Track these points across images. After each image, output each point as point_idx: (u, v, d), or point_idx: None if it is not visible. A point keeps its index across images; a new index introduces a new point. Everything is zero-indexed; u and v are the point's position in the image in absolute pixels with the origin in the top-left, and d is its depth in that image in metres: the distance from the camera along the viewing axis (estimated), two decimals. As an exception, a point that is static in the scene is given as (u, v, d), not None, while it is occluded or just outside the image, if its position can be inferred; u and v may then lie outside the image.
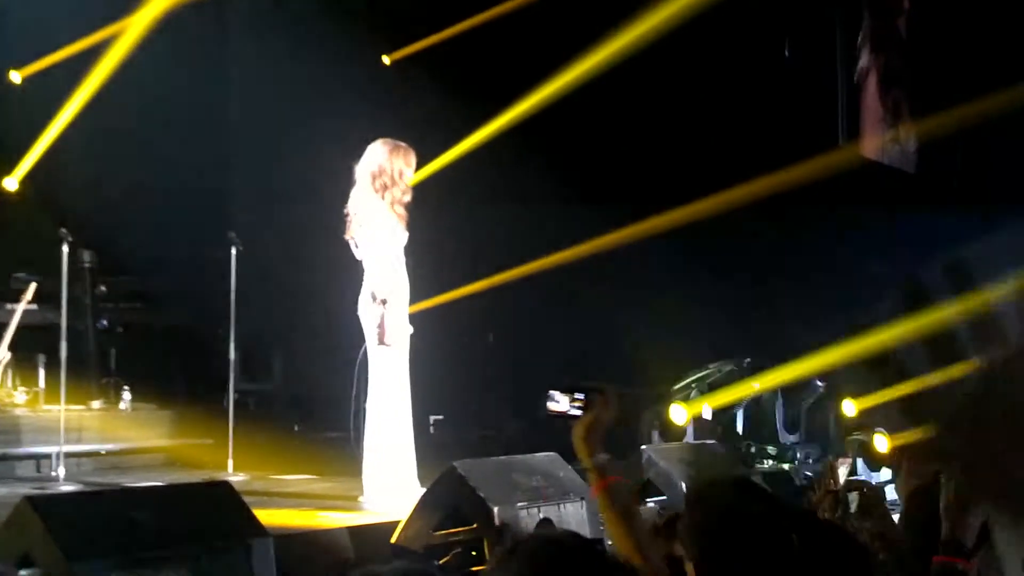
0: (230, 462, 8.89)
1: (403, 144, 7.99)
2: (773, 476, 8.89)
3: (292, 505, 7.49)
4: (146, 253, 11.01)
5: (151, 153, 10.96)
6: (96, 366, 10.20)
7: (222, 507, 5.17)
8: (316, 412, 11.06)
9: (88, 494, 6.66)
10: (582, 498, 6.90)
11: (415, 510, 6.51)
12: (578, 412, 3.39)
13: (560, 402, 4.30)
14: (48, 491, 7.45)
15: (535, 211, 11.70)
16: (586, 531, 6.62)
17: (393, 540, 6.41)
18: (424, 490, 7.17)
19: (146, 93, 10.78)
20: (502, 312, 12.01)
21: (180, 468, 9.41)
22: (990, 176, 12.18)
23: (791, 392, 10.37)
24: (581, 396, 3.44)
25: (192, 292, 11.35)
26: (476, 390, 11.71)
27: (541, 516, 6.55)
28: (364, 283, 7.85)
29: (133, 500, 5.07)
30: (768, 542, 2.87)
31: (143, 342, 10.90)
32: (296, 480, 8.97)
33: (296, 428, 11.03)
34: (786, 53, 12.86)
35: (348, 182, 8.08)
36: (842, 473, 4.66)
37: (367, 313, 7.83)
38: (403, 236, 7.89)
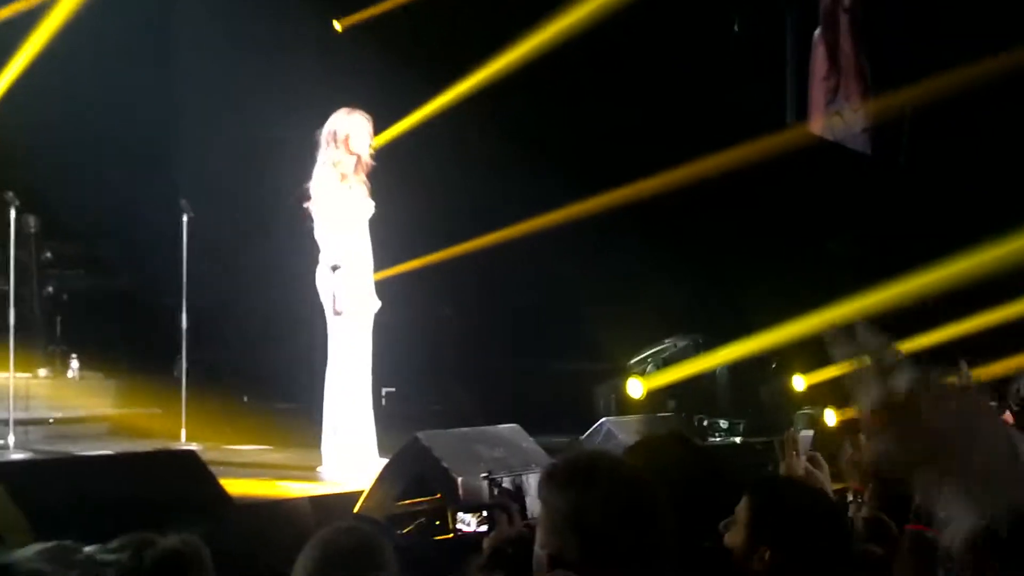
0: (183, 431, 8.81)
1: (361, 111, 7.94)
2: (726, 449, 8.99)
3: (249, 475, 7.44)
4: (92, 219, 10.84)
5: (97, 118, 10.76)
6: (42, 333, 10.03)
7: (189, 476, 5.13)
8: (266, 383, 10.98)
9: (52, 462, 6.56)
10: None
11: (377, 480, 6.50)
12: (484, 529, 3.65)
13: (468, 523, 4.39)
14: (9, 459, 7.34)
15: (492, 183, 11.69)
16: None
17: (356, 510, 6.40)
18: (383, 461, 7.18)
19: (91, 57, 10.59)
20: (457, 285, 12.00)
21: (129, 437, 9.30)
22: (938, 155, 12.32)
23: (743, 367, 10.48)
24: (485, 515, 3.75)
25: (140, 259, 11.21)
26: (429, 363, 11.69)
27: (504, 486, 6.56)
28: (321, 253, 7.82)
29: (99, 468, 5.01)
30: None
31: (89, 309, 10.73)
32: (250, 450, 8.92)
33: (245, 399, 10.95)
34: (735, 28, 12.91)
35: (302, 150, 8.03)
36: (804, 443, 4.69)
37: (323, 283, 7.79)
38: (366, 206, 7.85)
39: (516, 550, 2.95)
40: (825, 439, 7.12)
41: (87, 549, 2.41)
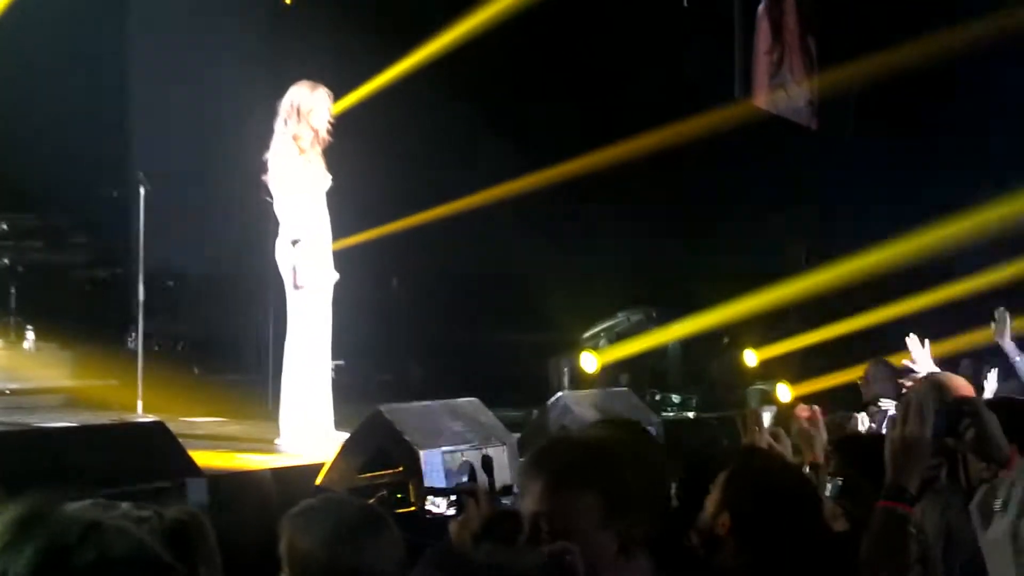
0: (139, 403, 8.81)
1: (323, 87, 7.97)
2: (678, 424, 9.11)
3: (208, 447, 7.47)
4: (47, 191, 10.79)
5: (51, 90, 10.71)
6: (-3, 305, 10.01)
7: (157, 447, 5.18)
8: (218, 355, 10.99)
9: (19, 433, 6.56)
10: (503, 443, 7.05)
11: (340, 453, 6.57)
12: (453, 512, 3.65)
13: (438, 505, 4.45)
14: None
15: (441, 155, 11.72)
16: (508, 475, 6.76)
17: (318, 482, 6.47)
18: (341, 433, 7.25)
19: (45, 28, 10.52)
20: (406, 257, 12.04)
21: (86, 408, 9.29)
22: (885, 130, 12.48)
23: (695, 342, 10.61)
24: (454, 499, 3.72)
25: (94, 231, 11.18)
26: (378, 336, 11.74)
27: (464, 459, 6.65)
28: (279, 225, 7.85)
29: (68, 439, 5.04)
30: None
31: (44, 281, 10.70)
32: (206, 422, 8.94)
33: (196, 371, 10.95)
34: (684, 2, 12.98)
35: (258, 122, 8.05)
36: (766, 419, 4.81)
37: (282, 256, 7.83)
38: (324, 179, 7.89)
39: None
40: (781, 414, 7.25)
41: (122, 505, 2.47)
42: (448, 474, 6.45)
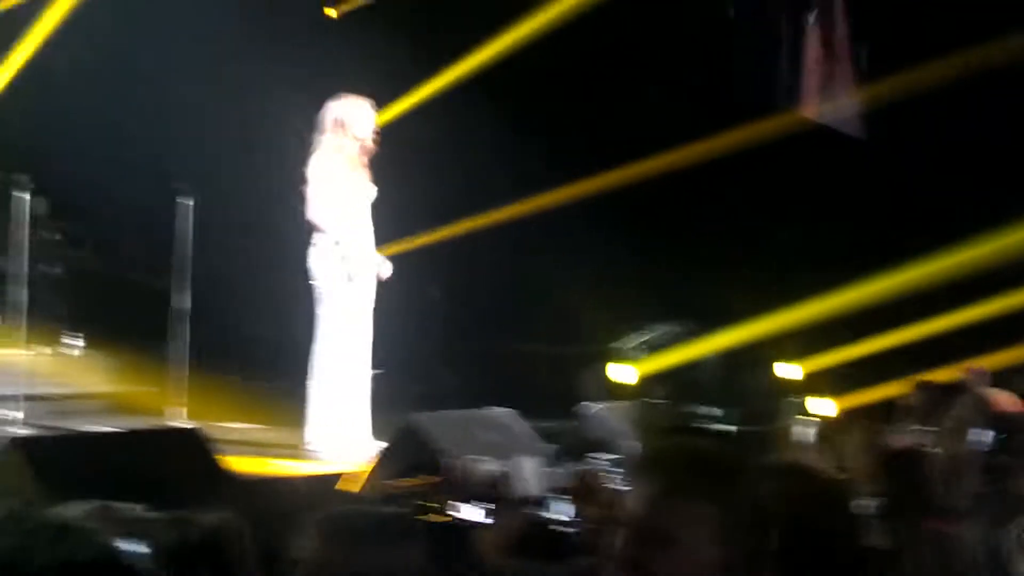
0: (181, 409, 8.86)
1: (364, 98, 8.00)
2: (720, 438, 9.03)
3: (246, 453, 7.49)
4: (95, 200, 10.93)
5: (101, 100, 10.85)
6: (49, 312, 10.12)
7: (193, 455, 5.19)
8: (259, 362, 11.04)
9: (69, 438, 6.61)
10: (537, 454, 7.02)
11: (376, 462, 6.58)
12: (484, 519, 3.62)
13: (469, 512, 4.42)
14: (23, 433, 7.39)
15: (482, 166, 11.72)
16: (540, 485, 6.73)
17: (355, 491, 6.47)
18: (377, 443, 7.26)
19: (91, 39, 10.67)
20: (445, 267, 12.04)
21: (129, 414, 9.36)
22: (930, 139, 12.34)
23: (733, 355, 10.53)
24: (485, 507, 3.69)
25: (140, 239, 11.30)
26: (417, 345, 11.74)
27: (496, 470, 6.62)
28: (315, 235, 7.87)
29: (110, 443, 5.06)
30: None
31: (91, 288, 10.84)
32: (244, 428, 8.97)
33: (238, 377, 11.00)
34: (730, 13, 12.91)
35: (297, 131, 8.09)
36: (809, 433, 4.77)
37: (317, 265, 7.85)
38: (369, 190, 7.91)
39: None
40: (826, 429, 7.18)
41: (124, 508, 2.46)
42: (479, 484, 6.43)
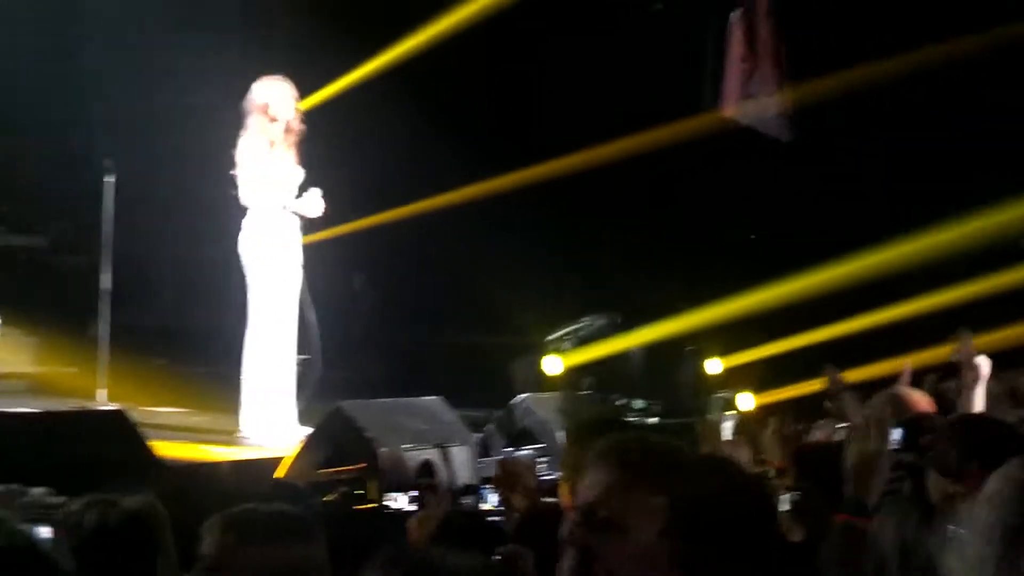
0: (102, 391, 8.78)
1: (283, 78, 7.98)
2: (642, 429, 9.13)
3: (169, 437, 7.45)
4: (11, 178, 10.76)
5: (12, 77, 10.66)
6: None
7: (117, 436, 5.17)
8: (184, 345, 10.96)
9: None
10: (464, 442, 7.08)
11: (302, 448, 6.59)
12: (413, 507, 3.65)
13: (397, 500, 4.46)
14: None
15: (407, 155, 11.73)
16: (468, 474, 6.79)
17: (278, 476, 6.48)
18: (303, 429, 7.27)
19: (10, 19, 10.50)
20: (369, 255, 12.03)
21: (48, 395, 9.25)
22: (858, 143, 12.50)
23: (659, 349, 10.65)
24: (415, 494, 3.71)
25: (58, 218, 11.15)
26: (342, 332, 11.73)
27: (423, 458, 6.67)
28: (244, 218, 7.85)
29: (28, 425, 5.02)
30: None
31: (10, 267, 10.66)
32: (169, 412, 8.91)
33: (161, 360, 10.92)
34: (654, 7, 12.97)
35: (229, 117, 8.06)
36: (727, 427, 4.86)
37: (246, 248, 7.83)
38: (294, 173, 7.90)
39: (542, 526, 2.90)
40: (743, 423, 7.28)
41: (33, 491, 2.47)
42: (408, 472, 6.47)
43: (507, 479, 4.32)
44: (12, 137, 10.67)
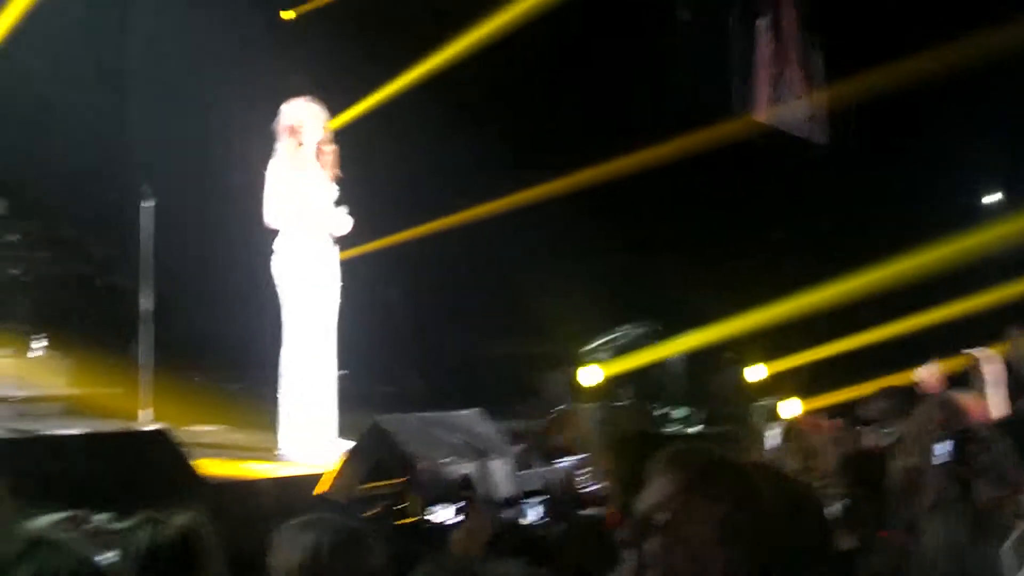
0: (144, 411, 8.81)
1: (312, 98, 7.99)
2: (681, 439, 9.08)
3: (211, 455, 7.46)
4: (54, 202, 10.86)
5: (58, 103, 10.79)
6: (7, 314, 10.04)
7: (159, 455, 5.17)
8: (222, 363, 11.01)
9: (34, 440, 6.56)
10: (503, 455, 7.04)
11: (342, 464, 6.57)
12: (456, 521, 3.68)
13: (439, 514, 4.46)
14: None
15: (443, 167, 11.73)
16: (508, 487, 6.77)
17: (320, 492, 6.47)
18: (344, 443, 7.26)
19: (50, 42, 10.61)
20: (408, 269, 12.04)
21: (91, 416, 9.30)
22: (889, 142, 12.43)
23: (698, 357, 10.59)
24: (458, 507, 3.75)
25: (101, 241, 11.24)
26: (380, 346, 11.74)
27: (463, 472, 6.65)
28: (277, 239, 7.87)
29: (73, 446, 5.03)
30: None
31: (52, 290, 10.75)
32: (209, 430, 8.94)
33: (199, 379, 10.97)
34: (682, 16, 12.96)
35: (258, 134, 8.08)
36: (773, 435, 4.81)
37: (279, 269, 7.85)
38: (326, 192, 7.90)
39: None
40: (791, 430, 7.21)
41: (96, 518, 2.46)
42: (447, 486, 6.45)
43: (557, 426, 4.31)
44: (57, 162, 10.78)
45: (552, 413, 8.16)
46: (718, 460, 2.46)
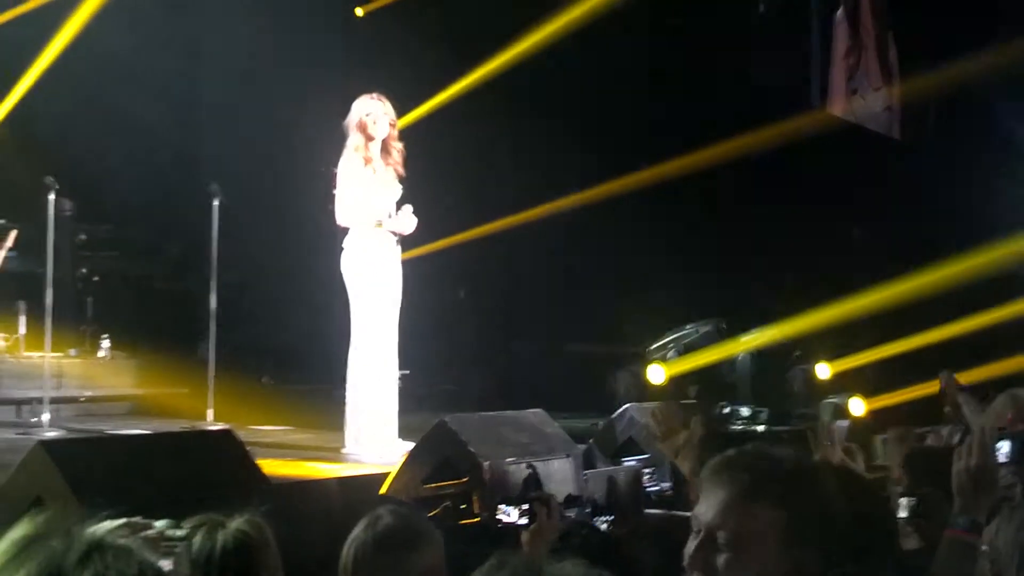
0: (210, 411, 8.89)
1: (380, 95, 7.98)
2: (747, 437, 9.01)
3: (276, 455, 7.50)
4: (124, 202, 10.99)
5: (128, 104, 10.90)
6: (74, 314, 10.17)
7: (225, 455, 5.20)
8: (288, 364, 11.08)
9: (99, 440, 6.65)
10: (568, 454, 7.02)
11: (405, 462, 6.58)
12: (525, 521, 3.65)
13: (510, 514, 4.45)
14: (47, 435, 7.44)
15: (511, 165, 11.73)
16: (571, 487, 6.73)
17: (383, 491, 6.47)
18: (406, 443, 7.26)
19: (122, 44, 10.72)
20: (472, 267, 12.05)
21: (157, 416, 9.41)
22: (965, 137, 12.25)
23: (765, 354, 10.50)
24: (526, 507, 3.71)
25: (168, 242, 11.35)
26: (444, 346, 11.76)
27: (528, 472, 6.62)
28: (346, 239, 7.89)
29: (140, 446, 5.07)
30: None
31: (120, 290, 10.88)
32: (275, 431, 8.99)
33: (265, 379, 11.05)
34: (760, 8, 12.86)
35: (328, 133, 8.10)
36: (840, 433, 4.75)
37: (347, 267, 7.86)
38: (392, 190, 7.91)
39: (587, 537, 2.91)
40: (856, 428, 7.14)
41: (157, 524, 2.47)
42: (512, 485, 6.43)
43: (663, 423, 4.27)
44: (126, 163, 10.91)
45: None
46: (771, 462, 2.35)
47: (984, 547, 2.79)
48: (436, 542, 3.16)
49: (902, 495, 3.69)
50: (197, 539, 2.67)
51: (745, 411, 9.72)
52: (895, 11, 13.16)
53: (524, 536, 3.50)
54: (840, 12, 13.11)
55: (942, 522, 3.07)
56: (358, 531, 3.12)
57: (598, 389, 10.28)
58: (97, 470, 4.60)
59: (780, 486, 2.28)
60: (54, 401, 8.54)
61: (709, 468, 2.41)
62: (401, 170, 7.94)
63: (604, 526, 4.60)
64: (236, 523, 2.75)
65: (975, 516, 2.79)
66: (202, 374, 9.11)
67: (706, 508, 2.32)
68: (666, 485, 7.04)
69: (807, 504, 2.28)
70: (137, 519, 2.40)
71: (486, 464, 6.46)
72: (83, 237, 10.50)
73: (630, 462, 7.45)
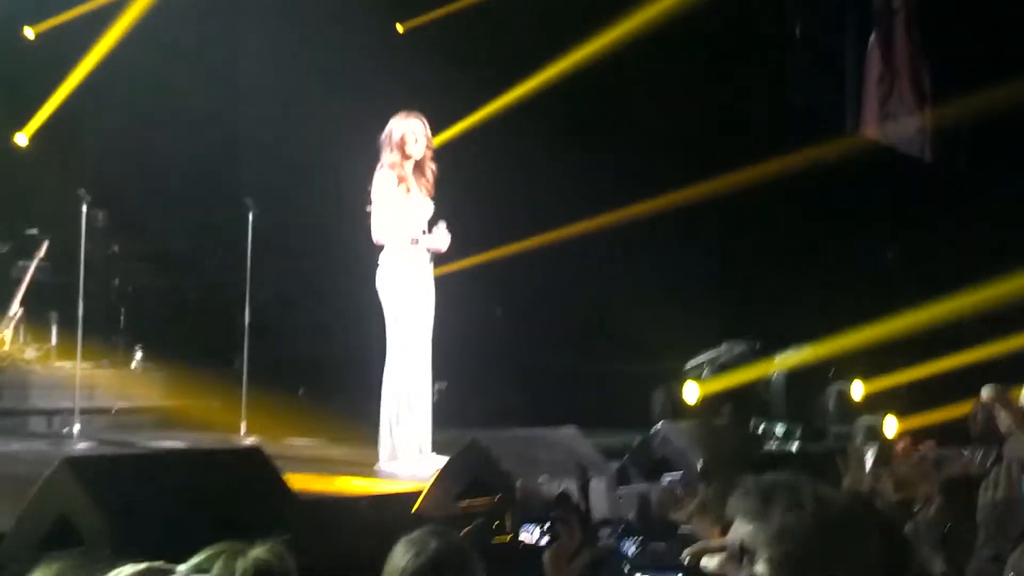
0: (243, 424, 8.91)
1: (417, 114, 7.99)
2: (782, 457, 8.96)
3: (308, 470, 7.51)
4: (158, 216, 11.03)
5: (165, 118, 10.96)
6: (106, 325, 10.21)
7: (254, 472, 5.20)
8: (322, 378, 11.09)
9: (126, 457, 6.66)
10: (601, 474, 6.98)
11: (436, 480, 6.55)
12: (546, 540, 3.62)
13: (532, 533, 4.45)
14: (85, 452, 7.47)
15: (545, 184, 11.71)
16: (604, 507, 6.70)
17: (414, 510, 6.45)
18: (440, 458, 7.25)
19: (160, 57, 10.78)
20: (508, 284, 12.04)
21: (189, 428, 9.43)
22: (998, 161, 12.18)
23: (800, 374, 10.44)
24: (548, 526, 3.68)
25: (202, 255, 11.38)
26: (480, 361, 11.75)
27: (560, 490, 6.59)
28: (381, 254, 7.89)
29: (168, 464, 5.07)
30: None
31: (153, 302, 10.92)
32: (308, 445, 9.00)
33: (301, 392, 11.07)
34: (797, 32, 12.85)
35: (363, 150, 8.12)
36: (868, 457, 4.70)
37: (382, 284, 7.87)
38: (424, 208, 7.92)
39: None
40: (884, 451, 7.05)
41: (179, 569, 2.45)
42: (544, 504, 6.39)
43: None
44: (160, 176, 10.96)
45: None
46: (831, 522, 2.20)
47: (1011, 573, 2.75)
48: (479, 563, 3.16)
49: (931, 520, 3.66)
50: (216, 568, 2.64)
51: (779, 429, 9.66)
52: (929, 36, 13.10)
53: (545, 556, 3.47)
54: (873, 37, 13.08)
55: (970, 551, 3.04)
56: (407, 560, 3.08)
57: (634, 407, 10.24)
58: (122, 489, 4.59)
59: (839, 546, 2.18)
60: (85, 412, 8.57)
61: (740, 489, 2.36)
62: (432, 190, 7.95)
63: (632, 549, 4.53)
64: (256, 551, 2.72)
65: (998, 548, 2.76)
66: (236, 387, 9.13)
67: (736, 527, 2.24)
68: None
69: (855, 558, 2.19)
70: (159, 564, 2.37)
71: (519, 482, 6.43)
72: (115, 249, 10.54)
73: (666, 479, 7.40)
